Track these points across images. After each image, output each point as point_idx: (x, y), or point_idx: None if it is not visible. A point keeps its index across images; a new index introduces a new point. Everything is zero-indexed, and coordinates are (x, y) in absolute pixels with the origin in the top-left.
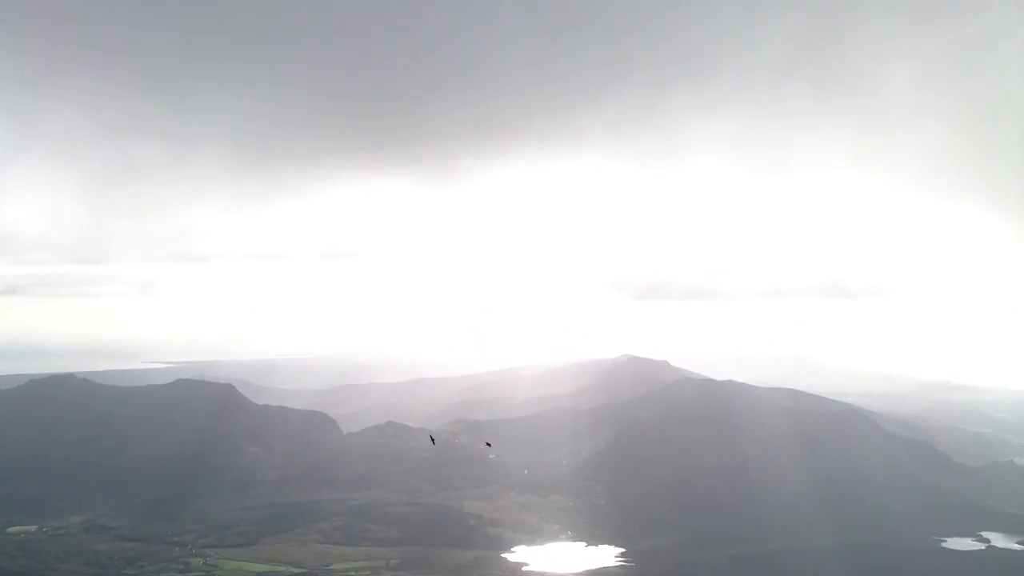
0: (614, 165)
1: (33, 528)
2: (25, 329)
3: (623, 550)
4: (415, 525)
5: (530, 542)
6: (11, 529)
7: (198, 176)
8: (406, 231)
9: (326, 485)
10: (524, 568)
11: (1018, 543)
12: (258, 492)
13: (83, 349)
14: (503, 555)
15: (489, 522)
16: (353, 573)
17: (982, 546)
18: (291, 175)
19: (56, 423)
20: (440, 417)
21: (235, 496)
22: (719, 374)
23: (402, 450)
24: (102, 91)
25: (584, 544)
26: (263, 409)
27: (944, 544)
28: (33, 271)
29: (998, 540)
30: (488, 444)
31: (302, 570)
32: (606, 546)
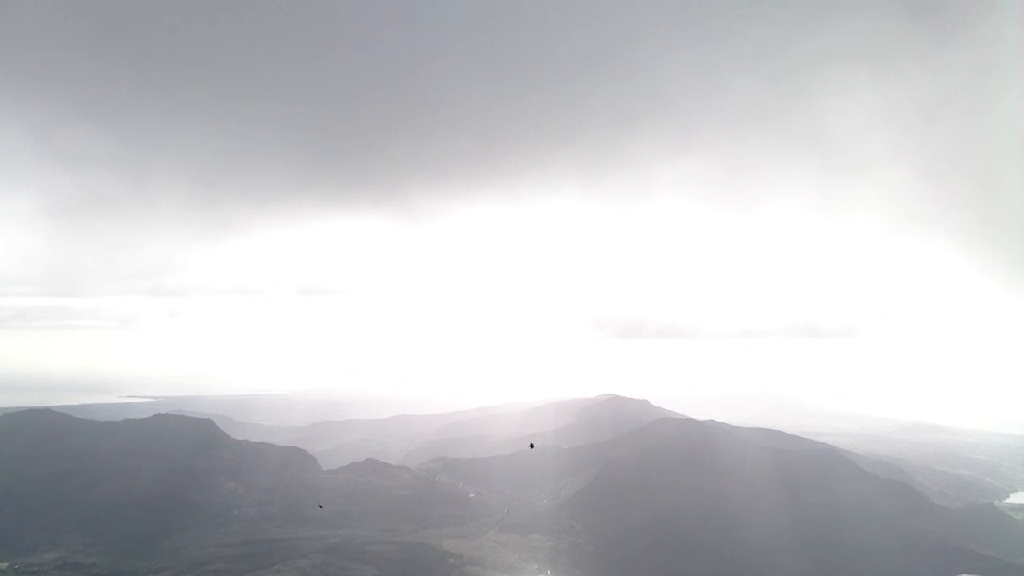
0: (585, 205)
1: (4, 565)
2: (4, 362)
3: None
4: (394, 563)
5: None
6: None
7: (168, 210)
8: (383, 269)
9: (305, 522)
10: None
11: None
12: (236, 528)
13: (60, 383)
14: None
15: (468, 561)
16: None
17: None
18: (263, 210)
19: (31, 457)
20: (420, 455)
21: (212, 532)
22: (699, 413)
23: (381, 487)
24: (59, 123)
25: None
26: (242, 445)
27: None
28: (8, 303)
29: None
30: (531, 446)
31: None
32: None
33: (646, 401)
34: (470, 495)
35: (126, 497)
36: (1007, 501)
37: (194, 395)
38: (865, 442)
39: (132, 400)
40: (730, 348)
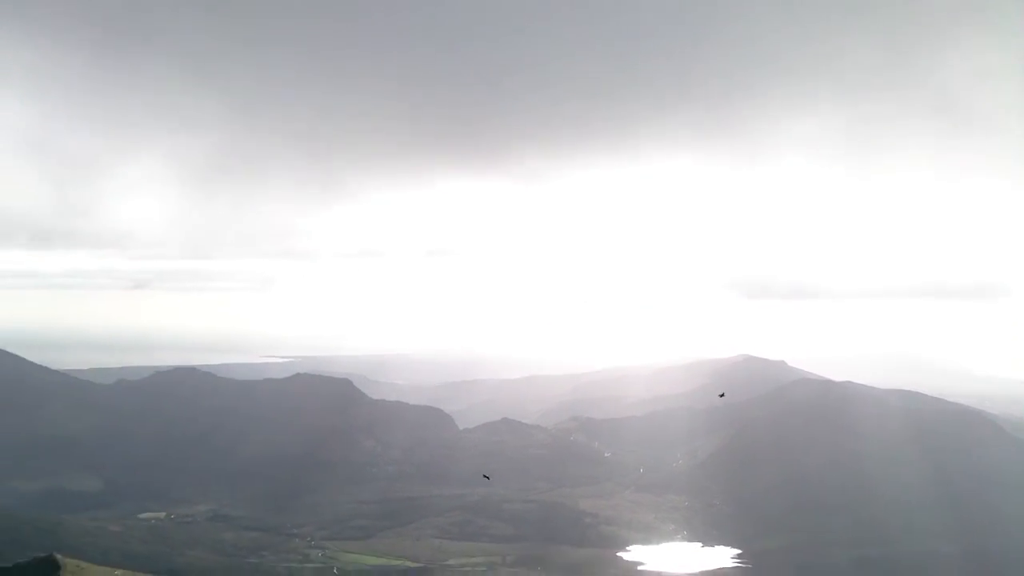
0: (705, 165)
1: (162, 515)
2: (150, 322)
3: (739, 551)
4: (530, 522)
5: (645, 541)
6: (142, 515)
7: (287, 173)
8: (508, 230)
9: (441, 480)
10: (639, 567)
11: None
12: (375, 486)
13: (202, 343)
14: (618, 553)
15: (604, 520)
16: (469, 568)
17: None
18: (379, 172)
19: (180, 414)
20: (554, 414)
21: (352, 489)
22: (835, 374)
23: (517, 447)
24: (175, 87)
25: (700, 544)
26: (379, 404)
27: None
28: (155, 266)
29: None
30: (722, 395)
31: (418, 564)
32: (722, 547)
33: (783, 362)
34: (605, 455)
35: (270, 453)
36: None
37: (330, 355)
38: (1008, 405)
39: (270, 360)
40: (865, 308)
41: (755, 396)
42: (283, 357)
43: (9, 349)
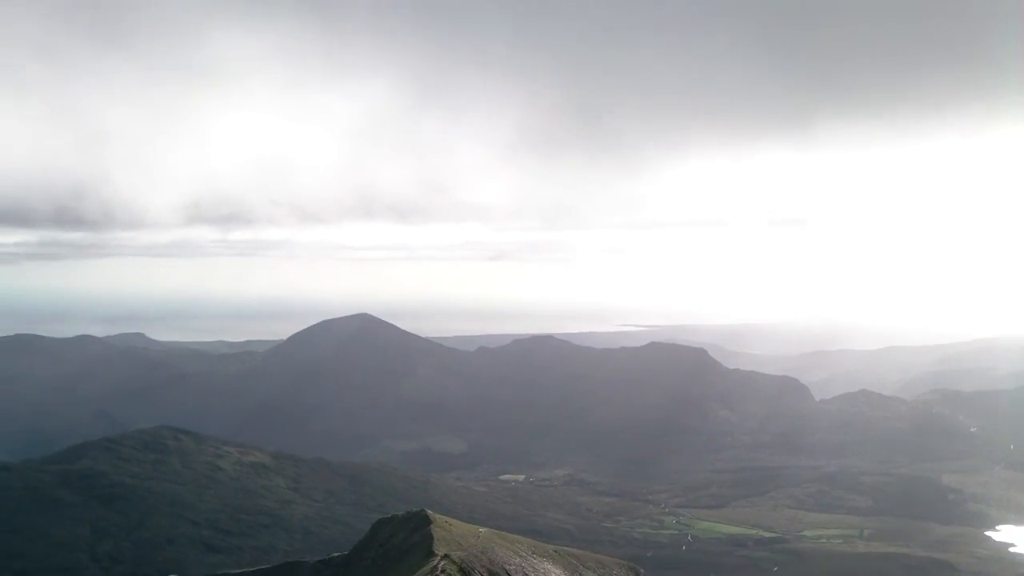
0: None
1: (521, 478)
2: (509, 292)
3: None
4: (890, 496)
5: (1018, 522)
6: (502, 476)
7: (629, 140)
8: (843, 200)
9: (797, 451)
10: (1010, 548)
11: None
12: (729, 455)
13: (559, 311)
14: (986, 533)
15: (970, 497)
16: (825, 540)
17: None
18: (711, 141)
19: (538, 380)
20: (915, 386)
21: (706, 458)
22: None
23: (876, 419)
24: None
25: None
26: (734, 373)
27: None
28: (512, 238)
29: None
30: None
31: (773, 534)
32: None
33: None
34: (971, 429)
35: (624, 421)
36: None
37: (684, 324)
38: None
39: (627, 328)
40: None
41: None
42: (638, 326)
43: (384, 318)
